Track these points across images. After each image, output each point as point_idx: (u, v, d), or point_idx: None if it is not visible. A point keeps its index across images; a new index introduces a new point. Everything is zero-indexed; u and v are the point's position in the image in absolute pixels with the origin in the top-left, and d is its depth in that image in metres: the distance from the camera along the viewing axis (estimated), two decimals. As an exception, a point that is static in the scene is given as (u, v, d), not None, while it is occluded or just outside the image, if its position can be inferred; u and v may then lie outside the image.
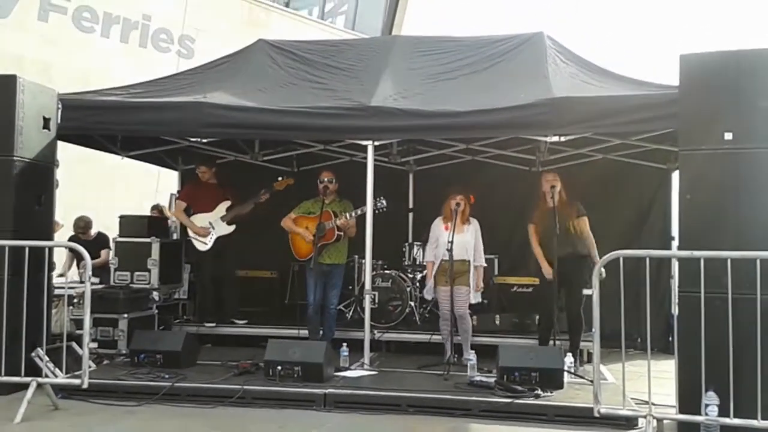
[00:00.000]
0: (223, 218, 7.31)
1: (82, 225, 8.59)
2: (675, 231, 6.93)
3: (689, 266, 4.58)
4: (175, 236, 8.34)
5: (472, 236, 6.44)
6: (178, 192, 9.05)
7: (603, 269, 5.96)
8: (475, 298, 6.49)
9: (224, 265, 7.46)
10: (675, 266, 5.22)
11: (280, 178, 7.30)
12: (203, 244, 7.30)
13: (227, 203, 7.35)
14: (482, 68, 6.76)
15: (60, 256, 7.64)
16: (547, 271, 6.28)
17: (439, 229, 6.47)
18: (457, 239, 6.27)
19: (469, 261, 6.40)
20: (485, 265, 6.67)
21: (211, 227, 7.31)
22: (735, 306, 4.35)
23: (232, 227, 7.33)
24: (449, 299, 6.27)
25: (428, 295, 6.77)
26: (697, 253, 4.43)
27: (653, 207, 8.29)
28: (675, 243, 7.33)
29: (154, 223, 7.96)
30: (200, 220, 7.36)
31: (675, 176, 7.69)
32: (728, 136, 4.66)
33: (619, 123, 5.63)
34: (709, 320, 4.38)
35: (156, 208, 9.74)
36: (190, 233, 7.38)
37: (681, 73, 4.89)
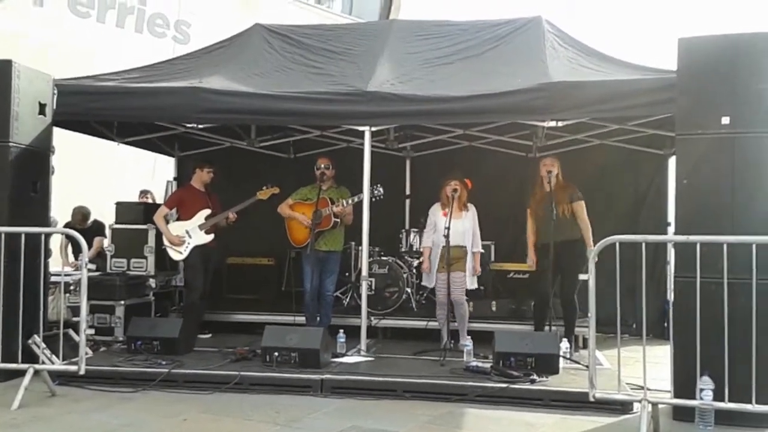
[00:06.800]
0: (201, 227, 6.76)
1: (80, 218, 8.52)
2: (672, 217, 6.95)
3: (685, 251, 4.57)
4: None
5: (470, 222, 6.46)
6: (175, 179, 9.06)
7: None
8: (472, 284, 6.51)
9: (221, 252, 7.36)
10: (671, 251, 5.21)
11: (264, 187, 6.90)
12: (178, 254, 6.78)
13: (207, 211, 6.81)
14: (480, 52, 6.71)
15: (55, 242, 7.63)
16: (531, 258, 6.48)
17: (436, 214, 6.48)
18: (455, 225, 6.28)
19: (466, 247, 6.42)
20: (483, 251, 6.70)
21: (187, 236, 6.74)
22: (730, 291, 4.34)
23: (210, 236, 6.79)
24: (446, 285, 6.28)
25: (428, 282, 6.69)
26: (693, 238, 4.42)
27: (650, 192, 8.29)
28: (671, 229, 7.36)
29: (151, 209, 7.93)
30: (177, 228, 6.81)
31: (672, 162, 7.71)
32: (725, 120, 4.65)
33: (617, 108, 5.60)
34: (705, 305, 4.38)
35: (145, 193, 9.69)
36: (165, 242, 6.82)
37: (679, 57, 4.86)
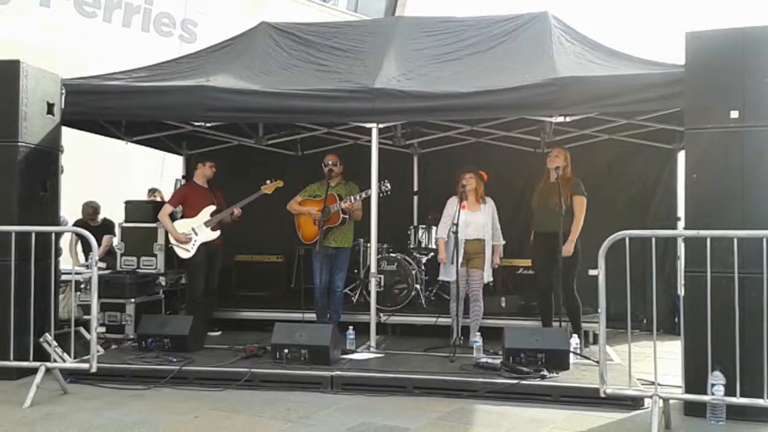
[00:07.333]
0: (207, 224, 6.78)
1: (91, 212, 8.58)
2: (681, 211, 6.93)
3: (695, 246, 4.56)
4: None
5: (488, 216, 6.44)
6: (183, 177, 9.08)
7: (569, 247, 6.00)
8: (487, 277, 6.48)
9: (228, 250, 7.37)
10: (681, 246, 5.19)
11: (268, 181, 6.90)
12: (185, 252, 6.78)
13: (212, 208, 6.84)
14: (486, 48, 6.71)
15: (65, 241, 7.67)
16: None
17: (453, 207, 6.42)
18: (472, 218, 6.30)
19: (484, 241, 6.40)
20: (504, 242, 6.66)
21: (193, 233, 6.77)
22: (741, 285, 4.33)
23: (217, 233, 6.83)
24: (463, 280, 6.28)
25: (445, 276, 6.55)
26: (703, 233, 4.40)
27: (659, 187, 8.25)
28: (681, 223, 7.34)
29: (160, 208, 7.94)
30: (182, 225, 6.81)
31: (681, 156, 7.69)
32: (734, 114, 4.63)
33: (625, 103, 5.57)
34: (715, 300, 4.37)
35: (154, 191, 9.73)
36: (172, 240, 6.84)
37: (687, 52, 4.84)
